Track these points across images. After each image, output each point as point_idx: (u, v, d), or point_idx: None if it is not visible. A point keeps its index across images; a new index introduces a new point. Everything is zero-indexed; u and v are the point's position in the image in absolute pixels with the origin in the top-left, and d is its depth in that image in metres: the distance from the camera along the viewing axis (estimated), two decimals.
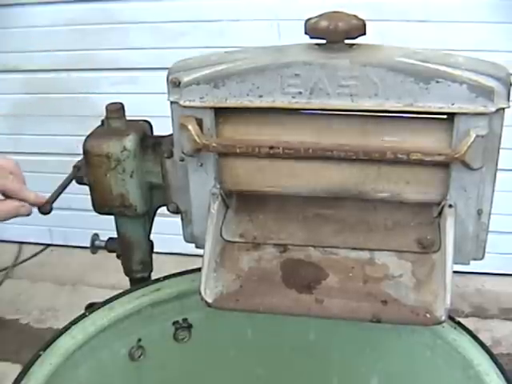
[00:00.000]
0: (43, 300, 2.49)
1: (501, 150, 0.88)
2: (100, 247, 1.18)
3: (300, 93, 0.87)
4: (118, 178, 1.03)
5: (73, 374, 1.01)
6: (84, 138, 1.04)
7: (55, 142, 2.52)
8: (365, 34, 0.85)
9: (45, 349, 0.98)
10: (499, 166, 0.89)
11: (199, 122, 0.90)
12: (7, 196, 0.92)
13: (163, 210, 1.09)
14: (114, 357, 1.07)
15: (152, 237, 1.16)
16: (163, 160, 1.02)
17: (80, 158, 1.06)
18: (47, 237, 2.82)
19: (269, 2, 2.21)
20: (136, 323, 1.08)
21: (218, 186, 0.96)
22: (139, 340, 1.09)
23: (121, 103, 1.06)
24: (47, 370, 0.96)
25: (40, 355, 0.97)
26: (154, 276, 1.17)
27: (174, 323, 1.12)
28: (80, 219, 2.49)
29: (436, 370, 1.03)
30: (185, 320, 1.12)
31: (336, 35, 0.84)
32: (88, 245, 1.17)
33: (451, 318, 0.98)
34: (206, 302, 0.90)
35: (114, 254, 1.17)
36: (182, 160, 0.97)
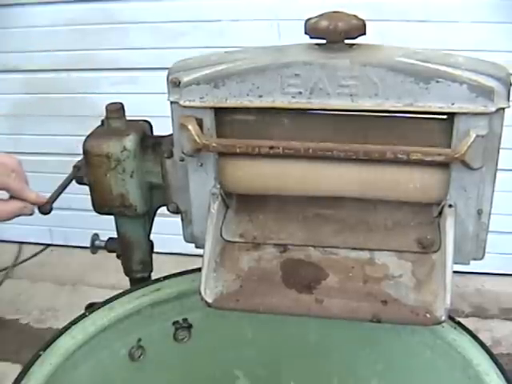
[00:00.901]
0: (43, 300, 2.49)
1: (501, 150, 0.88)
2: (100, 247, 1.18)
3: (300, 93, 0.87)
4: (118, 178, 1.03)
5: (73, 373, 1.01)
6: (84, 138, 1.04)
7: (55, 142, 2.52)
8: (365, 33, 0.85)
9: (45, 349, 0.98)
10: (499, 166, 0.89)
11: (199, 122, 0.90)
12: (9, 195, 0.92)
13: (163, 209, 1.09)
14: (113, 357, 1.07)
15: (152, 237, 1.16)
16: (163, 160, 1.02)
17: (80, 157, 1.06)
18: (47, 237, 2.82)
19: (269, 2, 2.21)
20: (136, 323, 1.08)
21: (218, 186, 0.96)
22: (139, 340, 1.09)
23: (121, 103, 1.06)
24: (47, 370, 0.96)
25: (40, 355, 0.97)
26: (154, 276, 1.17)
27: (174, 323, 1.12)
28: (80, 219, 2.49)
29: (436, 370, 1.03)
30: (185, 320, 1.12)
31: (336, 35, 0.84)
32: (88, 245, 1.17)
33: (451, 318, 0.98)
34: (206, 301, 0.90)
35: (114, 254, 1.17)
36: (182, 160, 0.97)
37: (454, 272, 0.87)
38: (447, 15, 2.10)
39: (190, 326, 1.13)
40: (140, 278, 1.17)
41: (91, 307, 1.07)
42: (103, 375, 1.07)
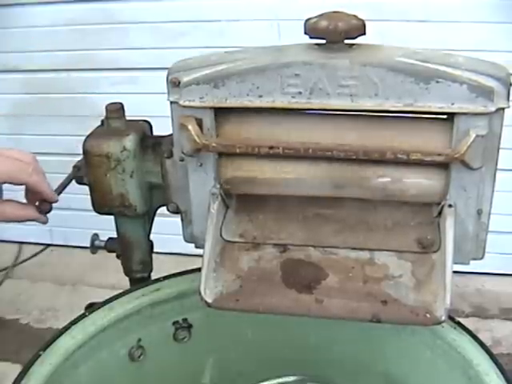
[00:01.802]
0: (43, 300, 2.49)
1: (501, 150, 0.88)
2: (100, 247, 1.18)
3: (300, 93, 0.87)
4: (118, 178, 1.03)
5: (73, 373, 1.01)
6: (84, 138, 1.04)
7: (55, 142, 2.52)
8: (365, 33, 0.85)
9: (45, 349, 0.98)
10: (499, 166, 0.89)
11: (199, 122, 0.90)
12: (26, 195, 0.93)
13: (163, 209, 1.09)
14: (113, 357, 1.07)
15: (152, 237, 1.16)
16: (163, 160, 1.02)
17: (80, 157, 1.06)
18: (47, 237, 2.82)
19: (269, 2, 2.21)
20: (136, 323, 1.08)
21: (218, 186, 0.96)
22: (139, 340, 1.09)
23: (121, 103, 1.06)
24: (47, 370, 0.96)
25: (40, 355, 0.97)
26: (154, 276, 1.17)
27: (174, 323, 1.12)
28: (80, 219, 2.49)
29: (436, 370, 1.03)
30: (185, 320, 1.12)
31: (336, 35, 0.84)
32: (88, 245, 1.17)
33: (451, 318, 0.98)
34: (205, 302, 0.90)
35: (114, 254, 1.17)
36: (182, 160, 0.97)
37: (454, 272, 0.87)
38: (447, 15, 2.10)
39: (189, 326, 1.13)
40: (140, 277, 1.17)
41: (91, 307, 1.07)
42: (103, 375, 1.07)
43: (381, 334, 1.06)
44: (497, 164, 0.89)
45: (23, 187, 0.93)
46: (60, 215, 2.71)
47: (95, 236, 1.18)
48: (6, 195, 0.91)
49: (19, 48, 2.43)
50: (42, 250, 2.82)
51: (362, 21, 0.85)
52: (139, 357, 1.10)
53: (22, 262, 2.75)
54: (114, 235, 1.15)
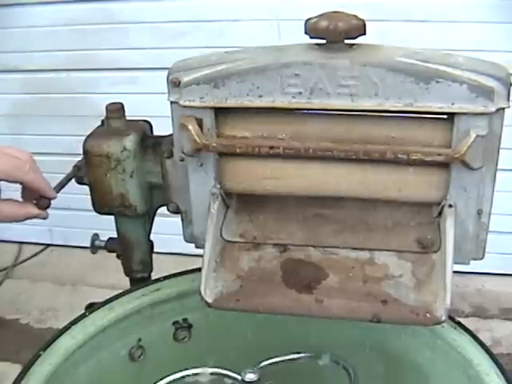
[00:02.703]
0: (43, 300, 2.49)
1: (501, 150, 0.88)
2: (100, 247, 1.18)
3: (300, 93, 0.87)
4: (118, 178, 1.03)
5: (73, 373, 1.01)
6: (84, 138, 1.04)
7: (55, 142, 2.52)
8: (365, 33, 0.85)
9: (45, 349, 0.98)
10: (499, 166, 0.89)
11: (199, 122, 0.90)
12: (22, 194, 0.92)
13: (163, 209, 1.09)
14: (114, 357, 1.07)
15: (152, 237, 1.16)
16: (163, 160, 1.02)
17: (80, 158, 1.06)
18: (47, 237, 2.82)
19: (269, 2, 2.21)
20: (136, 323, 1.08)
21: (218, 186, 0.96)
22: (139, 340, 1.09)
23: (121, 103, 1.06)
24: (47, 370, 0.96)
25: (40, 355, 0.97)
26: (154, 276, 1.17)
27: (174, 323, 1.12)
28: (80, 219, 2.49)
29: (436, 370, 1.03)
30: (185, 320, 1.12)
31: (336, 35, 0.84)
32: (88, 245, 1.17)
33: (451, 318, 0.98)
34: (206, 301, 0.90)
35: (114, 254, 1.17)
36: (182, 160, 0.97)
37: (454, 272, 0.87)
38: (447, 15, 2.10)
39: (190, 326, 1.13)
40: (140, 277, 1.17)
41: (91, 307, 1.07)
42: (103, 375, 1.07)
43: (381, 334, 1.06)
44: (497, 164, 0.89)
45: (19, 187, 0.92)
46: (60, 215, 2.71)
47: (95, 236, 1.18)
48: (2, 196, 0.91)
49: (19, 48, 2.43)
50: (42, 250, 2.81)
51: (362, 21, 0.85)
52: (139, 357, 1.10)
53: (22, 262, 2.75)
54: (114, 235, 1.15)
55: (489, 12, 2.06)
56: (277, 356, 1.05)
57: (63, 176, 1.07)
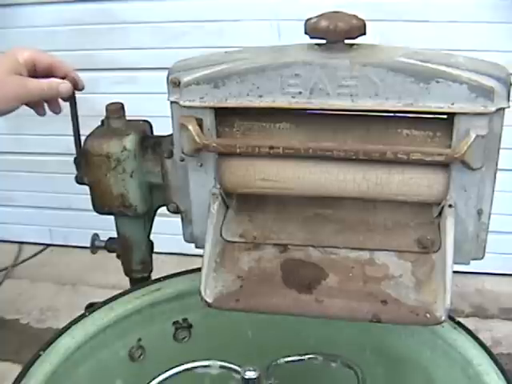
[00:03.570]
0: (43, 300, 2.49)
1: (501, 150, 0.88)
2: (100, 247, 1.18)
3: (300, 93, 0.87)
4: (118, 178, 1.03)
5: (73, 373, 1.01)
6: (84, 138, 1.04)
7: (55, 141, 2.52)
8: (365, 34, 0.85)
9: (45, 349, 0.98)
10: (499, 166, 0.89)
11: (199, 122, 0.90)
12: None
13: (163, 209, 1.09)
14: (113, 357, 1.07)
15: (152, 237, 1.16)
16: (163, 160, 1.02)
17: None
18: (47, 237, 2.82)
19: (269, 2, 2.21)
20: (136, 323, 1.08)
21: (218, 186, 0.96)
22: (139, 340, 1.09)
23: (121, 103, 1.06)
24: (47, 370, 0.96)
25: (40, 355, 0.97)
26: (154, 276, 1.17)
27: (174, 323, 1.12)
28: (80, 219, 2.48)
29: (436, 370, 1.03)
30: (185, 320, 1.12)
31: (336, 35, 0.84)
32: (88, 245, 1.17)
33: (451, 318, 0.98)
34: (205, 301, 0.90)
35: (114, 254, 1.17)
36: (182, 160, 0.97)
37: (454, 272, 0.87)
38: (447, 15, 2.10)
39: (190, 326, 1.13)
40: (140, 278, 1.17)
41: (91, 307, 1.07)
42: (103, 375, 1.07)
43: (381, 334, 1.06)
44: (497, 164, 0.89)
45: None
46: (60, 215, 2.71)
47: (95, 236, 1.18)
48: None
49: None
50: (42, 250, 2.81)
51: (362, 21, 0.85)
52: (139, 357, 1.10)
53: (22, 262, 2.75)
54: (114, 235, 1.15)
55: (489, 12, 2.06)
56: (281, 356, 1.04)
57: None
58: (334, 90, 0.86)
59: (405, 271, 0.91)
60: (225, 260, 0.95)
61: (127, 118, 1.07)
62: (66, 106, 1.01)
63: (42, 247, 2.82)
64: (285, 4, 2.18)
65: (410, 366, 1.08)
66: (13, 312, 2.44)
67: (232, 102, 0.89)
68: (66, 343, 1.00)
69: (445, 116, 0.87)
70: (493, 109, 0.82)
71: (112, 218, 1.11)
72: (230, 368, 0.99)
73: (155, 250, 1.18)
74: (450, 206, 0.90)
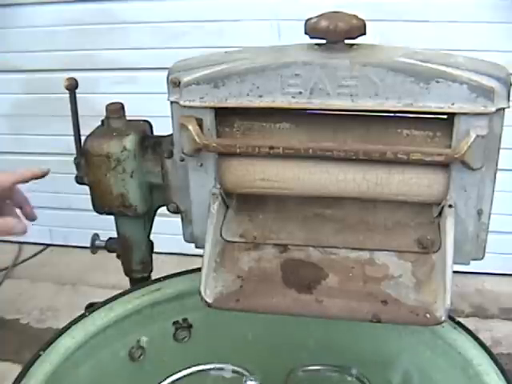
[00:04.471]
0: (43, 300, 2.49)
1: (501, 150, 0.88)
2: (100, 247, 1.18)
3: (300, 93, 0.87)
4: (118, 178, 1.03)
5: (73, 373, 1.01)
6: (84, 137, 1.04)
7: (55, 141, 2.52)
8: (365, 34, 0.86)
9: (45, 349, 0.98)
10: (499, 166, 0.89)
11: (199, 122, 0.90)
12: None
13: (163, 209, 1.09)
14: (114, 357, 1.07)
15: (152, 237, 1.16)
16: (163, 160, 1.02)
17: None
18: (47, 237, 2.81)
19: (269, 2, 2.21)
20: (136, 323, 1.08)
21: (218, 186, 0.96)
22: (139, 340, 1.09)
23: (121, 103, 1.06)
24: (47, 370, 0.96)
25: (40, 355, 0.97)
26: (154, 276, 1.17)
27: (174, 323, 1.12)
28: (80, 219, 2.48)
29: (436, 370, 1.03)
30: (185, 320, 1.12)
31: (336, 35, 0.84)
32: (88, 245, 1.17)
33: (451, 318, 0.98)
34: (205, 301, 0.90)
35: (114, 254, 1.17)
36: (182, 160, 0.97)
37: (454, 272, 0.87)
38: (447, 15, 2.10)
39: (190, 326, 1.13)
40: (140, 278, 1.17)
41: (91, 307, 1.07)
42: (103, 375, 1.07)
43: (381, 334, 1.06)
44: (497, 164, 0.89)
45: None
46: (60, 215, 2.71)
47: (95, 236, 1.18)
48: None
49: (19, 48, 2.42)
50: (42, 250, 2.81)
51: (362, 21, 0.85)
52: (139, 357, 1.10)
53: (22, 262, 2.75)
54: (114, 235, 1.15)
55: (489, 12, 2.06)
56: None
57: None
58: (334, 89, 0.86)
59: (405, 271, 0.91)
60: (225, 260, 0.95)
61: (127, 118, 1.07)
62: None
63: (41, 247, 2.82)
64: (285, 4, 2.18)
65: (410, 366, 1.08)
66: (13, 312, 2.44)
67: (232, 102, 0.89)
68: (65, 343, 1.00)
69: (445, 116, 0.87)
70: (493, 109, 0.82)
71: (112, 218, 1.11)
72: (238, 372, 1.00)
73: (155, 250, 1.18)
74: (450, 206, 0.90)
